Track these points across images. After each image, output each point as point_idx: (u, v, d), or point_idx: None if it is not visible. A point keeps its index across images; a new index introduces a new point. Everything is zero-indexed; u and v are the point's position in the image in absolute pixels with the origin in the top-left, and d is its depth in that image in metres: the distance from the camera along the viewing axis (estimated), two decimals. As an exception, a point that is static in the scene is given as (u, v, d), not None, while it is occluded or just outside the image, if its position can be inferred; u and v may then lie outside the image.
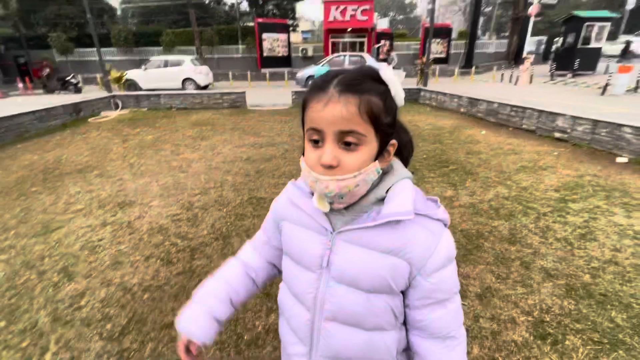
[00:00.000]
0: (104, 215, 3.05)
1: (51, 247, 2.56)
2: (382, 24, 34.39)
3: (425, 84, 9.88)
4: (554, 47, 15.34)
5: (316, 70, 10.71)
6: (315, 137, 0.53)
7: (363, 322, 0.60)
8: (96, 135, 6.34)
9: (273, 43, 19.57)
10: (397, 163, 0.63)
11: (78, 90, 13.01)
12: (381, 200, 0.59)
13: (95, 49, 10.75)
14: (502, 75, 14.48)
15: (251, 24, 23.85)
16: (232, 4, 29.15)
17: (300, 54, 21.08)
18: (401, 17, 66.47)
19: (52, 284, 2.14)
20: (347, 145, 0.52)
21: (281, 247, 0.73)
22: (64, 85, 13.06)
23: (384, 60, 14.14)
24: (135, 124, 7.34)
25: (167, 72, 13.08)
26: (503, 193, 3.34)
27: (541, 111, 5.70)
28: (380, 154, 0.56)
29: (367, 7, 18.57)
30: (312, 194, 0.64)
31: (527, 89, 10.65)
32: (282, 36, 19.61)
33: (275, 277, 0.82)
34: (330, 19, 18.70)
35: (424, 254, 0.56)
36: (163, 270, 2.27)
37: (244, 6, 30.20)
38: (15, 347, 1.68)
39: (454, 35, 23.07)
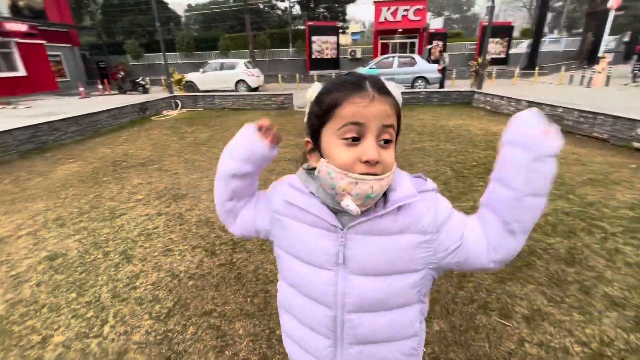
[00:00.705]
0: (159, 206, 3.35)
1: (115, 231, 2.87)
2: (435, 23, 33.08)
3: (479, 87, 9.29)
4: None
5: (363, 72, 10.65)
6: (353, 133, 0.54)
7: (385, 305, 0.64)
8: (158, 133, 6.97)
9: (322, 45, 19.85)
10: None
11: (146, 91, 14.40)
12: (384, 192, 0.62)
13: (161, 54, 11.88)
14: (572, 76, 13.07)
15: (302, 27, 24.41)
16: (285, 8, 30.11)
17: (348, 56, 21.12)
18: (457, 15, 63.32)
19: (114, 264, 2.40)
20: (384, 142, 0.56)
21: (253, 220, 0.74)
22: (135, 87, 14.54)
23: (436, 61, 13.58)
24: (192, 123, 7.94)
25: (222, 74, 13.92)
26: (563, 207, 3.02)
27: (617, 117, 5.05)
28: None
29: (420, 6, 18.00)
30: (312, 193, 0.63)
31: (602, 93, 9.48)
32: (332, 38, 19.81)
33: (226, 222, 0.79)
34: (381, 19, 18.45)
35: (429, 219, 0.62)
36: (207, 260, 2.43)
37: (296, 10, 31.03)
38: (82, 317, 1.92)
39: (515, 33, 21.39)
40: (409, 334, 0.68)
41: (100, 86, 14.35)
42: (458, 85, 13.50)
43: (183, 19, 34.87)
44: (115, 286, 2.17)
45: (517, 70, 15.04)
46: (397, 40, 19.72)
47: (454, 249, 0.63)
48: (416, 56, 13.25)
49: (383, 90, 0.56)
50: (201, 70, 14.20)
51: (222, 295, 2.07)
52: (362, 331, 0.65)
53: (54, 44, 16.97)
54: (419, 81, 12.30)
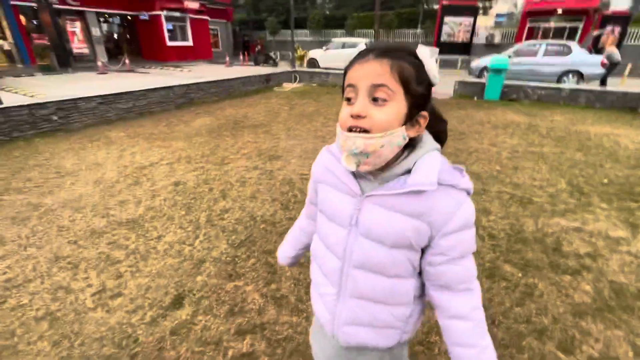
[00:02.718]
0: (257, 162, 3.92)
1: (221, 174, 3.55)
2: (619, 2, 25.69)
3: (657, 88, 7.03)
4: None
5: (494, 59, 9.18)
6: (350, 94, 0.62)
7: (385, 271, 0.70)
8: (274, 102, 7.86)
9: (454, 27, 18.04)
10: (427, 137, 0.68)
11: (275, 64, 16.08)
12: (409, 171, 0.65)
13: (293, 31, 13.06)
14: None
15: (436, 6, 22.59)
16: (422, -14, 28.20)
17: (484, 41, 18.66)
18: (660, -8, 47.36)
19: (213, 198, 3.02)
20: (376, 101, 0.59)
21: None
22: (267, 60, 16.41)
23: (601, 51, 10.72)
24: (303, 96, 8.62)
25: (343, 53, 14.31)
26: None
27: None
28: (409, 120, 0.61)
29: (595, -19, 14.27)
30: None
31: None
32: (467, 20, 17.74)
33: None
34: (536, -2, 15.47)
35: (444, 218, 0.63)
36: (280, 212, 2.80)
37: (435, -12, 28.66)
38: (185, 229, 2.54)
39: None
40: (403, 302, 0.73)
41: (241, 57, 16.74)
42: (631, 85, 10.50)
43: (319, -1, 36.61)
44: (210, 214, 2.75)
45: None
46: (553, 25, 16.27)
47: (437, 262, 0.68)
48: (572, 44, 10.76)
49: (386, 54, 0.59)
50: (324, 47, 14.91)
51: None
52: (361, 287, 0.73)
53: (214, 20, 20.40)
54: (570, 75, 10.05)
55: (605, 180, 3.47)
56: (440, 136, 0.71)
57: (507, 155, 4.20)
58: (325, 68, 13.77)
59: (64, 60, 12.13)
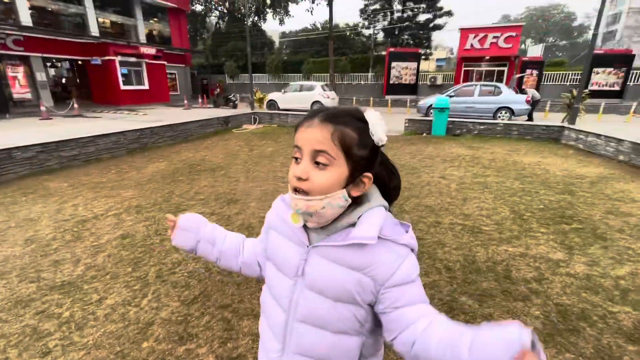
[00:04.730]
0: (214, 207, 3.79)
1: (174, 223, 3.35)
2: (534, 51, 30.24)
3: (572, 122, 8.15)
4: None
5: (437, 99, 10.14)
6: (297, 154, 0.65)
7: (329, 326, 0.68)
8: (233, 143, 7.84)
9: (401, 71, 19.87)
10: (375, 194, 0.70)
11: (235, 106, 16.29)
12: (354, 224, 0.66)
13: (252, 75, 13.49)
14: None
15: (384, 52, 24.87)
16: (369, 35, 31.12)
17: (428, 82, 20.66)
18: (564, 42, 56.86)
19: (165, 251, 2.82)
20: (318, 165, 0.62)
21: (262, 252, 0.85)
22: (227, 102, 16.60)
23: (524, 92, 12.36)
24: (263, 137, 8.72)
25: (301, 95, 14.99)
26: (645, 273, 2.49)
27: None
28: (351, 182, 0.64)
29: (512, 33, 16.78)
30: None
31: None
32: (412, 64, 19.69)
33: (255, 274, 0.92)
34: (467, 46, 17.71)
35: (387, 271, 0.63)
36: (237, 260, 2.67)
37: (381, 36, 31.76)
38: (131, 288, 2.31)
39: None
40: None
41: (200, 100, 16.78)
42: (553, 119, 12.05)
43: (277, 45, 38.66)
44: (161, 269, 2.55)
45: (635, 106, 12.72)
46: (483, 68, 18.59)
47: (388, 311, 0.65)
48: (502, 85, 12.29)
49: (330, 119, 0.62)
50: (283, 90, 15.52)
51: (241, 294, 2.27)
52: (305, 342, 0.70)
53: (172, 64, 20.54)
54: (503, 112, 11.36)
55: (541, 207, 3.82)
56: (392, 192, 0.74)
57: (455, 187, 4.49)
58: (285, 110, 14.23)
59: (2, 106, 11.30)
